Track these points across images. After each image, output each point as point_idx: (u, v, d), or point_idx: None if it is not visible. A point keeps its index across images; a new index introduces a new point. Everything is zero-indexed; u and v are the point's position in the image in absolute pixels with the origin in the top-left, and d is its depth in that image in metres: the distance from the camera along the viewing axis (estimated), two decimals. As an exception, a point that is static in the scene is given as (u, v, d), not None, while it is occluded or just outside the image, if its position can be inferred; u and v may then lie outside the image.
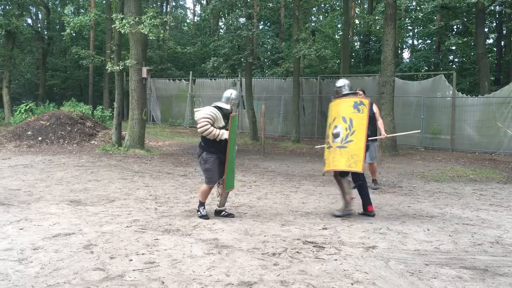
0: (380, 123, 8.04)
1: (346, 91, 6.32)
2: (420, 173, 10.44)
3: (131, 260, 4.15)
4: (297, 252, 4.50)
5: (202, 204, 5.84)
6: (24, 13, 25.05)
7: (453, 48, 25.28)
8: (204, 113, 5.60)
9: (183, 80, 24.79)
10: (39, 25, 32.10)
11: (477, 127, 15.51)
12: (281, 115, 20.39)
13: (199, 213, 5.82)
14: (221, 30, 31.82)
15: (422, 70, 26.43)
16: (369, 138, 7.82)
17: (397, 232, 5.31)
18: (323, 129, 19.57)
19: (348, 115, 5.96)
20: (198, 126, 5.61)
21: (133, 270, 3.89)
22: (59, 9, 30.66)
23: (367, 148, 7.96)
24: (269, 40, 26.41)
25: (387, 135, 8.18)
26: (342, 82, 6.44)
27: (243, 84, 19.47)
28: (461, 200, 7.40)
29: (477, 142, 15.36)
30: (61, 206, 6.22)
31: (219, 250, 4.50)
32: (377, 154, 8.41)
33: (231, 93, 5.93)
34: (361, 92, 8.18)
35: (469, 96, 16.69)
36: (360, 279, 3.84)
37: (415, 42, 32.23)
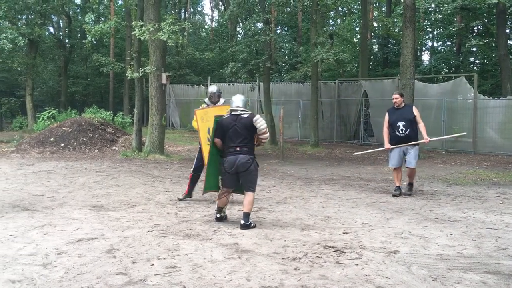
0: (421, 126, 7.81)
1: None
2: (442, 176, 10.31)
3: (153, 264, 4.19)
4: (317, 256, 4.48)
5: (248, 215, 5.60)
6: (46, 22, 25.60)
7: (474, 49, 24.96)
8: (264, 122, 5.70)
9: (201, 85, 24.95)
10: (60, 33, 32.69)
11: (499, 129, 15.25)
12: (300, 119, 20.36)
13: (251, 224, 5.57)
14: (239, 36, 31.99)
15: (442, 72, 26.12)
16: (412, 143, 7.76)
17: (419, 237, 5.25)
18: (342, 133, 19.66)
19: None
20: (266, 135, 5.71)
21: (155, 275, 3.93)
22: (80, 17, 31.19)
23: (404, 152, 7.86)
24: (287, 45, 26.46)
25: (430, 139, 7.87)
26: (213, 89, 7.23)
27: (261, 88, 19.51)
28: (484, 204, 7.28)
29: (500, 145, 15.10)
30: (84, 211, 6.32)
31: (239, 254, 4.51)
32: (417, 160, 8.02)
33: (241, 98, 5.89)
34: (398, 96, 8.03)
35: (491, 98, 16.43)
36: (382, 284, 3.80)
37: (435, 44, 31.91)
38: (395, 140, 7.91)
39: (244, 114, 5.66)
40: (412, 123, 7.78)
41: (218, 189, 6.00)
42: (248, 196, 5.60)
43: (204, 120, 6.60)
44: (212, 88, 7.29)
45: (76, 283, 3.73)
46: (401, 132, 7.79)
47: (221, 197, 5.77)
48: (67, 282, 3.74)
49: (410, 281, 3.87)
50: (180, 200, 7.16)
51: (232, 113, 5.69)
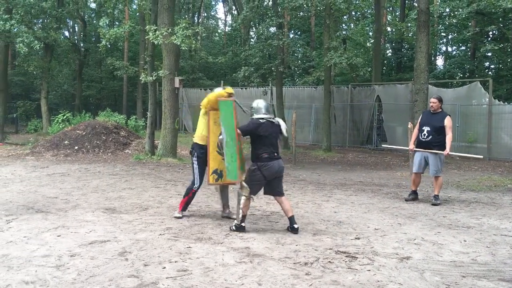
0: (448, 137, 7.54)
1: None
2: (456, 182, 10.20)
3: (165, 267, 4.20)
4: (329, 262, 4.46)
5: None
6: (62, 26, 25.88)
7: (489, 54, 24.70)
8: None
9: (214, 89, 25.02)
10: (75, 37, 33.08)
11: (515, 135, 15.06)
12: (312, 123, 20.32)
13: (296, 228, 5.53)
14: (251, 40, 32.04)
15: (457, 77, 25.90)
16: (431, 151, 7.66)
17: (432, 243, 5.20)
18: (354, 138, 19.58)
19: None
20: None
21: (167, 278, 3.94)
22: (94, 21, 31.57)
23: (426, 160, 7.75)
24: (299, 49, 26.46)
25: (450, 153, 7.66)
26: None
27: (274, 93, 19.50)
28: (499, 211, 7.18)
29: (515, 151, 14.91)
30: (97, 214, 6.37)
31: (250, 258, 4.50)
32: (442, 167, 7.85)
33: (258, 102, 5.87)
34: (436, 101, 7.77)
35: (506, 103, 16.23)
36: (394, 290, 3.77)
37: (449, 49, 31.66)
38: (418, 143, 7.85)
39: (275, 120, 5.70)
40: (438, 131, 7.56)
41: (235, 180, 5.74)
42: (286, 199, 5.70)
43: (216, 123, 6.02)
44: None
45: (88, 285, 3.76)
46: (423, 136, 7.70)
47: (246, 204, 5.51)
48: (79, 284, 3.77)
49: (421, 286, 3.83)
50: (179, 217, 6.23)
51: (266, 118, 5.60)
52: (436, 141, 7.59)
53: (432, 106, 7.83)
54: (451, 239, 5.39)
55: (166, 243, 4.98)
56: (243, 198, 5.48)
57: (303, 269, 4.22)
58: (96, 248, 4.77)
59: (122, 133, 15.56)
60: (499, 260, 4.63)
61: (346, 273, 4.14)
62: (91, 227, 5.63)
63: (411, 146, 8.00)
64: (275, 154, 5.55)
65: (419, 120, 8.00)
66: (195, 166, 6.26)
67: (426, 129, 7.69)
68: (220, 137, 5.66)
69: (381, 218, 6.48)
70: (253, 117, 5.67)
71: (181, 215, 6.24)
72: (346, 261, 4.48)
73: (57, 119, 18.16)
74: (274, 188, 5.66)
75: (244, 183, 5.48)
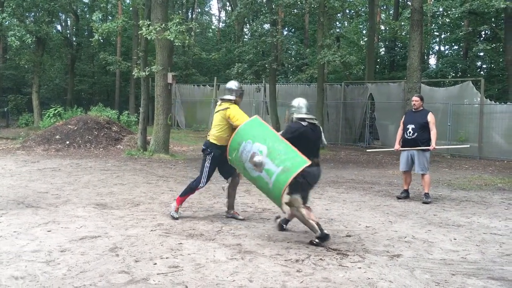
0: (433, 133, 7.66)
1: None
2: (447, 181, 10.27)
3: (156, 263, 4.19)
4: (320, 259, 4.47)
5: (319, 230, 4.92)
6: (54, 20, 25.71)
7: (481, 54, 24.87)
8: None
9: (207, 85, 24.99)
10: (68, 31, 32.87)
11: (505, 134, 15.18)
12: (305, 121, 20.31)
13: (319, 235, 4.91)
14: (245, 36, 32.00)
15: (449, 76, 26.05)
16: (419, 148, 7.73)
17: (422, 241, 5.23)
18: (347, 136, 19.63)
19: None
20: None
21: (157, 274, 3.93)
22: (87, 15, 31.35)
23: (412, 157, 7.80)
24: (293, 46, 26.43)
25: (436, 147, 7.78)
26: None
27: (267, 90, 19.51)
28: (489, 209, 7.24)
29: (506, 150, 15.04)
30: (88, 209, 6.33)
31: (242, 255, 4.50)
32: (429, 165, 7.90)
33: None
34: (417, 99, 7.93)
35: (497, 103, 16.35)
36: (384, 287, 3.79)
37: (442, 48, 31.83)
38: (403, 142, 7.92)
39: (316, 123, 5.30)
40: (422, 128, 7.70)
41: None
42: (309, 207, 5.15)
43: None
44: (238, 85, 6.07)
45: (78, 280, 3.74)
46: (408, 134, 7.79)
47: (309, 211, 5.01)
48: (69, 280, 3.75)
49: (413, 285, 3.86)
50: (176, 218, 5.92)
51: (308, 120, 5.17)
52: (422, 138, 7.70)
53: (414, 104, 8.00)
54: (442, 237, 5.43)
55: (158, 239, 4.97)
56: (302, 211, 4.94)
57: (294, 266, 4.23)
58: (86, 243, 4.74)
59: (114, 128, 15.49)
60: (488, 258, 4.66)
61: (337, 270, 4.16)
62: (82, 222, 5.60)
63: (397, 146, 8.06)
64: (315, 160, 5.07)
65: (402, 120, 8.12)
66: (207, 164, 5.86)
67: (410, 127, 7.80)
68: (256, 158, 4.89)
69: (373, 216, 6.50)
70: (293, 117, 5.20)
71: (177, 216, 5.92)
72: (337, 259, 4.50)
73: (48, 113, 18.05)
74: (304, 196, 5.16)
75: (293, 196, 4.93)
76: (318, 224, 4.91)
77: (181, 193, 6.08)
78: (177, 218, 5.89)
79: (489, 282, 3.97)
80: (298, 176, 4.76)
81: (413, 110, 8.06)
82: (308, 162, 4.74)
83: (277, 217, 5.40)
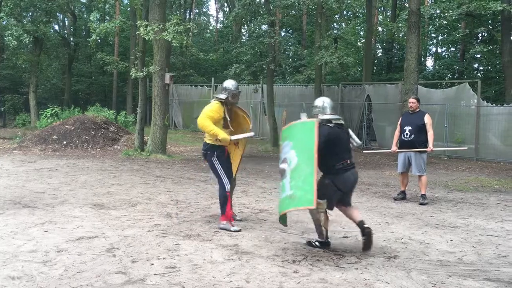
0: (430, 134, 7.68)
1: None
2: (443, 182, 10.29)
3: (153, 264, 4.19)
4: (317, 260, 4.48)
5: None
6: (52, 19, 25.64)
7: (478, 56, 24.93)
8: None
9: (205, 86, 24.98)
10: (65, 31, 32.81)
11: (502, 136, 15.21)
12: (302, 122, 20.32)
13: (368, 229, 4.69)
14: (243, 37, 32.00)
15: (446, 78, 26.10)
16: (416, 149, 7.74)
17: (419, 242, 5.24)
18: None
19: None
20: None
21: (154, 274, 3.93)
22: (85, 16, 31.29)
23: (409, 159, 7.82)
24: (291, 47, 26.47)
25: (433, 149, 7.79)
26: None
27: (265, 91, 19.51)
28: (485, 211, 7.26)
29: (502, 152, 15.06)
30: (85, 210, 6.33)
31: (239, 256, 4.51)
32: (426, 167, 7.91)
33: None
34: (414, 101, 7.94)
35: (494, 105, 16.39)
36: (381, 288, 3.80)
37: (439, 50, 31.89)
38: (401, 144, 7.93)
39: (343, 122, 4.99)
40: (420, 130, 7.71)
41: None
42: (355, 208, 5.02)
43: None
44: (235, 84, 5.80)
45: (75, 281, 3.74)
46: (406, 136, 7.80)
47: (326, 217, 4.81)
48: (66, 280, 3.75)
49: (409, 286, 3.87)
50: (239, 231, 5.47)
51: (334, 121, 4.86)
52: (420, 140, 7.71)
53: (411, 106, 8.00)
54: (438, 238, 5.44)
55: (155, 240, 4.97)
56: (321, 215, 4.74)
57: (291, 267, 4.24)
58: (83, 244, 4.74)
59: (112, 128, 15.47)
60: (484, 260, 4.68)
61: (334, 271, 4.16)
62: (78, 222, 5.60)
63: (394, 147, 8.08)
64: (347, 162, 4.80)
65: (399, 122, 8.12)
66: (218, 166, 5.59)
67: (407, 128, 7.80)
68: (282, 165, 4.71)
69: (369, 217, 6.51)
70: (318, 118, 4.84)
71: (237, 228, 5.47)
72: (334, 260, 4.51)
73: (45, 113, 18.01)
74: (344, 199, 4.90)
75: (320, 201, 4.60)
76: (327, 231, 4.85)
77: (220, 211, 5.63)
78: (238, 230, 5.42)
79: (485, 284, 3.99)
80: (329, 183, 4.69)
81: (409, 111, 8.08)
82: (313, 206, 4.39)
83: (309, 242, 5.01)
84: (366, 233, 4.66)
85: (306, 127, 4.69)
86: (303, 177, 4.49)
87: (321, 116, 4.87)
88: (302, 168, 4.52)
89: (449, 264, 4.51)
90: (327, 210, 4.79)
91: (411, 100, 8.05)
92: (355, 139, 5.04)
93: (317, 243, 4.87)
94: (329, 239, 4.88)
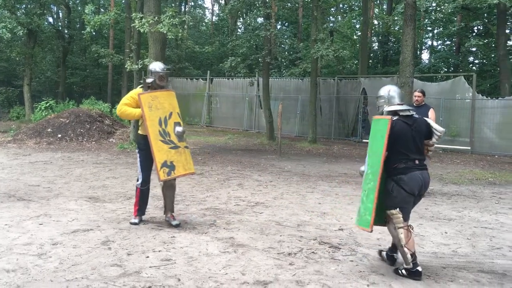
0: None
1: None
2: (438, 175, 10.33)
3: (148, 257, 4.19)
4: (312, 252, 4.49)
5: (412, 263, 3.91)
6: (46, 12, 25.44)
7: (474, 49, 24.98)
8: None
9: (200, 79, 24.90)
10: (59, 23, 32.52)
11: (497, 129, 15.28)
12: (298, 115, 20.34)
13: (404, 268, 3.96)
14: (239, 30, 31.88)
15: (441, 72, 26.15)
16: None
17: (414, 234, 5.25)
18: (340, 130, 19.68)
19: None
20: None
21: (150, 267, 3.93)
22: (79, 8, 31.08)
23: None
24: (287, 40, 26.34)
25: (435, 144, 7.76)
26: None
27: (261, 84, 19.46)
28: (479, 203, 7.30)
29: (497, 145, 15.14)
30: (80, 203, 6.31)
31: (235, 248, 4.51)
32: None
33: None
34: (420, 94, 7.76)
35: (489, 98, 16.45)
36: (376, 280, 3.82)
37: (435, 43, 31.91)
38: None
39: (414, 114, 4.21)
40: None
41: (384, 223, 4.15)
42: (412, 232, 4.05)
43: (153, 108, 5.17)
44: (161, 66, 5.47)
45: (70, 273, 3.73)
46: None
47: (408, 236, 3.94)
48: (61, 273, 3.74)
49: (404, 278, 3.88)
50: (135, 224, 5.31)
51: (401, 113, 4.13)
52: None
53: (417, 99, 7.84)
54: (433, 231, 5.47)
55: (150, 233, 4.96)
56: (400, 232, 3.94)
57: (287, 259, 4.25)
58: (78, 236, 4.73)
59: (107, 121, 15.41)
60: (479, 252, 4.71)
61: (329, 264, 4.18)
62: (73, 215, 5.59)
63: None
64: (417, 161, 4.06)
65: None
66: (138, 160, 5.44)
67: None
68: (362, 168, 4.25)
69: (365, 209, 6.53)
70: (383, 111, 4.22)
71: (137, 221, 5.31)
72: (329, 252, 4.52)
73: (40, 106, 17.92)
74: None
75: (392, 211, 4.00)
76: (413, 255, 3.91)
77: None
78: (137, 223, 5.29)
79: (479, 275, 4.01)
80: (393, 186, 4.01)
81: (414, 105, 7.92)
82: (369, 229, 3.93)
83: (381, 251, 4.46)
84: (392, 260, 4.22)
85: (379, 125, 4.07)
86: (367, 191, 3.99)
87: (386, 108, 4.18)
88: (369, 179, 4.01)
89: (443, 256, 4.53)
90: (407, 222, 4.03)
91: (416, 93, 7.84)
92: (437, 129, 4.20)
93: (403, 271, 3.95)
94: (419, 267, 3.90)
